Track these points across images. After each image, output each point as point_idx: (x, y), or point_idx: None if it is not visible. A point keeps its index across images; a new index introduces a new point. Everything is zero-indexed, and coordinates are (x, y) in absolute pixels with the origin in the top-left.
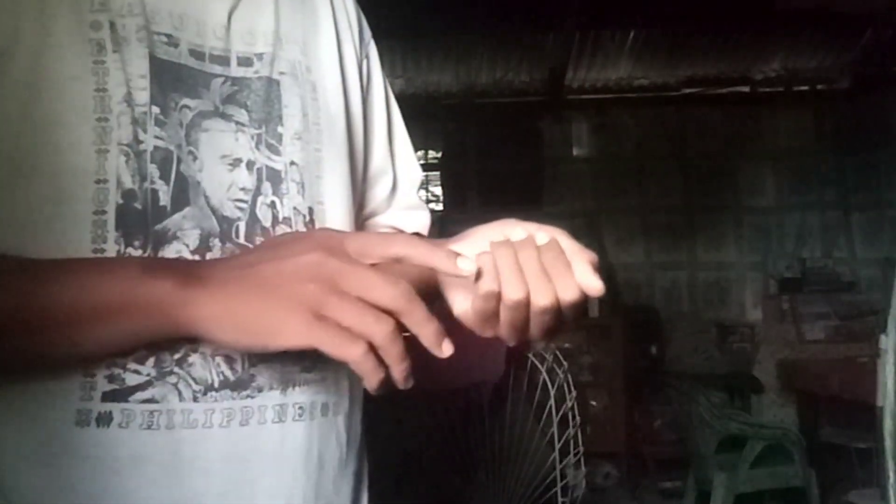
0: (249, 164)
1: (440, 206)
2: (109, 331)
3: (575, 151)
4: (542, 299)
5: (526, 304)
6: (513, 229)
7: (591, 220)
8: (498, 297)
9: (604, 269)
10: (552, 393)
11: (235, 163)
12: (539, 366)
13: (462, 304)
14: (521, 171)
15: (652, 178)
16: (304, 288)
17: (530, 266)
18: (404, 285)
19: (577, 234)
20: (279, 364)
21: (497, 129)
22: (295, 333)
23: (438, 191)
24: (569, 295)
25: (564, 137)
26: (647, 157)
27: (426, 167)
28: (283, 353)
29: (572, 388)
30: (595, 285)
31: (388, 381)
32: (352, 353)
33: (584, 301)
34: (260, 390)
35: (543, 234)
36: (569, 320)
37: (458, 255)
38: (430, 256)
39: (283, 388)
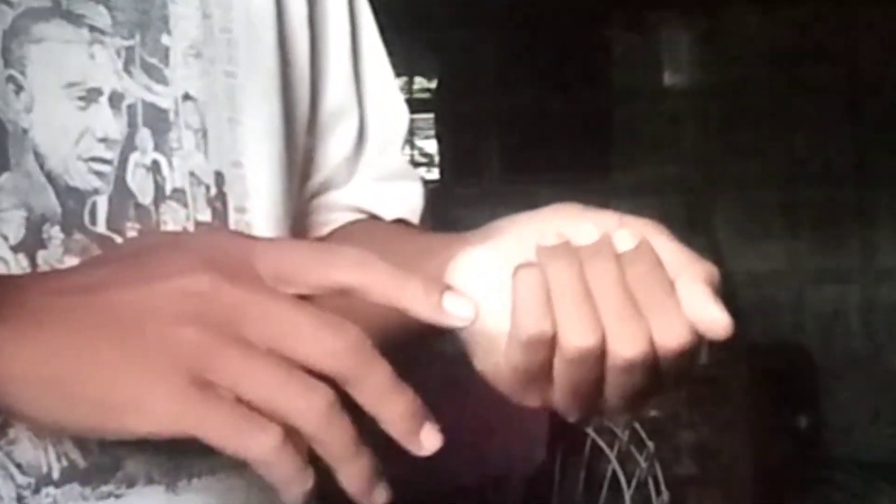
0: (115, 99)
1: (434, 173)
2: None
3: (667, 79)
4: (627, 347)
5: (600, 354)
6: (576, 223)
7: (695, 197)
8: (551, 343)
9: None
10: (628, 496)
11: (91, 96)
12: (606, 449)
13: (490, 356)
14: (574, 114)
15: (800, 124)
16: (181, 333)
17: (607, 290)
18: (352, 333)
19: (669, 222)
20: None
21: (533, 41)
22: (161, 412)
23: (432, 146)
24: (674, 339)
25: (649, 55)
26: (790, 87)
27: (413, 105)
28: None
29: (662, 488)
30: (719, 321)
31: (327, 493)
32: (256, 447)
33: (697, 349)
34: (131, 485)
35: (628, 232)
36: (671, 381)
37: (446, 287)
38: (396, 291)
39: (171, 482)
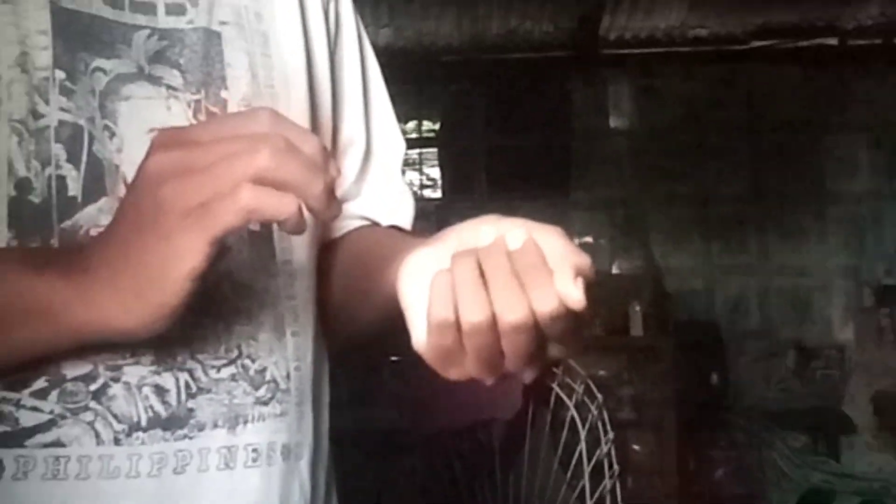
0: None
1: (438, 193)
2: None
3: (612, 122)
4: (510, 313)
5: (492, 326)
6: (482, 230)
7: (634, 211)
8: (456, 327)
9: (649, 276)
10: (583, 435)
11: None
12: (566, 399)
13: (422, 337)
14: (543, 148)
15: (712, 157)
16: (158, 193)
17: (497, 277)
18: (264, 115)
19: (614, 230)
20: (227, 394)
21: (511, 93)
22: (186, 248)
23: (436, 172)
24: (544, 305)
25: (599, 104)
26: (707, 129)
27: (421, 142)
28: (236, 379)
29: (609, 429)
30: (571, 295)
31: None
32: (286, 204)
33: (574, 316)
34: (201, 429)
35: (519, 232)
36: (556, 341)
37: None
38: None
39: (231, 426)
